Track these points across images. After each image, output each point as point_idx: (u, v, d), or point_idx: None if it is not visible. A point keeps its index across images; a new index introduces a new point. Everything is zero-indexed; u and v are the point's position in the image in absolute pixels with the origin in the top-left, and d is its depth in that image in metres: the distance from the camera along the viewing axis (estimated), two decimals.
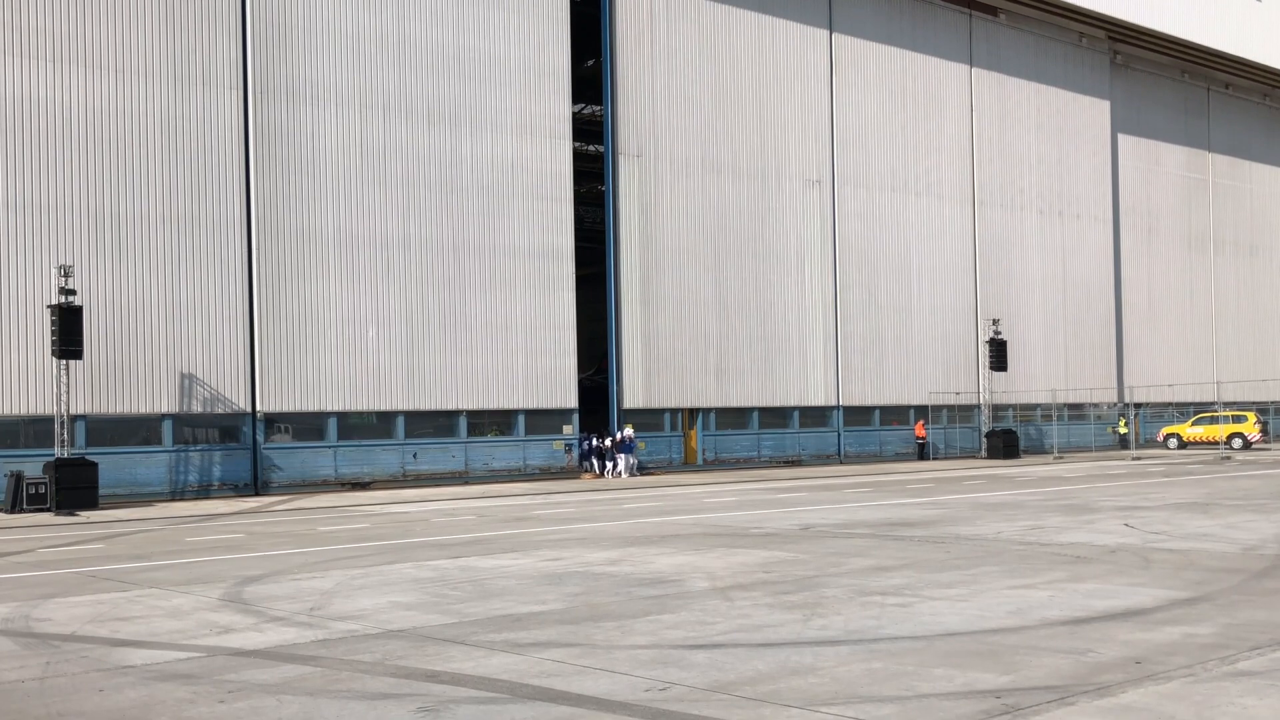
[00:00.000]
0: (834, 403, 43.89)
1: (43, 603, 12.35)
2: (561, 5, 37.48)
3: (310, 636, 10.02)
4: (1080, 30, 52.74)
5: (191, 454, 30.70)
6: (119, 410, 29.58)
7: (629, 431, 37.53)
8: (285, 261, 32.09)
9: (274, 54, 32.14)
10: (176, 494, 30.16)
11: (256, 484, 31.47)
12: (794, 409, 42.60)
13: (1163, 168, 57.61)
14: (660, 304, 39.43)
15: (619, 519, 21.75)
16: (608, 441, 37.72)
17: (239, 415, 31.35)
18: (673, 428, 39.31)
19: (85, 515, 25.50)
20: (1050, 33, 51.87)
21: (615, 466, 37.43)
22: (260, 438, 31.61)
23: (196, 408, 30.64)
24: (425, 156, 34.53)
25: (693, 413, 40.33)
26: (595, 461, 37.88)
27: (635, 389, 38.86)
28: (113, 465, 28.82)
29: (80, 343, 27.12)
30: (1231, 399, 54.00)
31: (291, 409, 32.16)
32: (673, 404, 39.71)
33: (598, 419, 39.29)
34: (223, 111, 31.30)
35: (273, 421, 32.01)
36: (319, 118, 32.75)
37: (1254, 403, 55.89)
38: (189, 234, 30.69)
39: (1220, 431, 49.45)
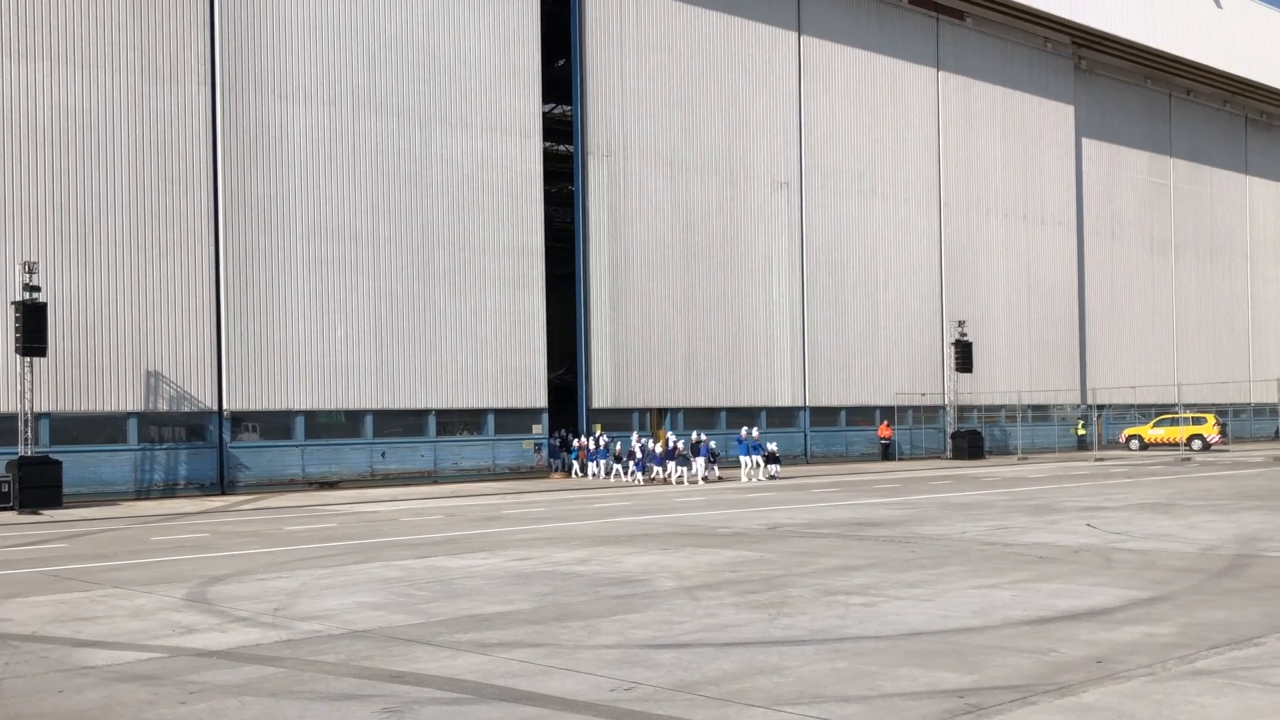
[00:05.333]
0: (801, 403, 44.07)
1: (3, 603, 12.20)
2: (532, 4, 37.42)
3: (274, 637, 9.97)
4: (1045, 35, 53.22)
5: (157, 453, 30.42)
6: (83, 408, 29.27)
7: (758, 432, 35.17)
8: (253, 258, 31.85)
9: (242, 48, 31.89)
10: (142, 493, 29.88)
11: (223, 483, 31.23)
12: (761, 409, 42.73)
13: (1125, 172, 58.23)
14: (629, 304, 39.47)
15: (588, 518, 21.75)
16: (680, 444, 34.22)
17: (205, 414, 31.10)
18: (641, 427, 39.32)
19: (49, 514, 25.22)
20: (1016, 37, 52.31)
21: (691, 470, 33.79)
22: (227, 436, 31.37)
23: (162, 406, 30.36)
24: (395, 153, 34.39)
25: (661, 412, 40.38)
26: (661, 467, 34.09)
27: (604, 388, 38.87)
28: (77, 464, 28.51)
29: (44, 340, 26.82)
30: (1192, 401, 54.65)
31: (259, 407, 31.93)
32: (641, 403, 39.75)
33: (566, 419, 39.26)
34: (190, 106, 31.03)
35: (239, 420, 31.77)
36: (288, 113, 32.54)
37: (1213, 405, 56.59)
38: (155, 230, 30.41)
39: (1181, 433, 50.05)
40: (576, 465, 37.25)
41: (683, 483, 33.35)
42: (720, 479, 34.58)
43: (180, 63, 30.94)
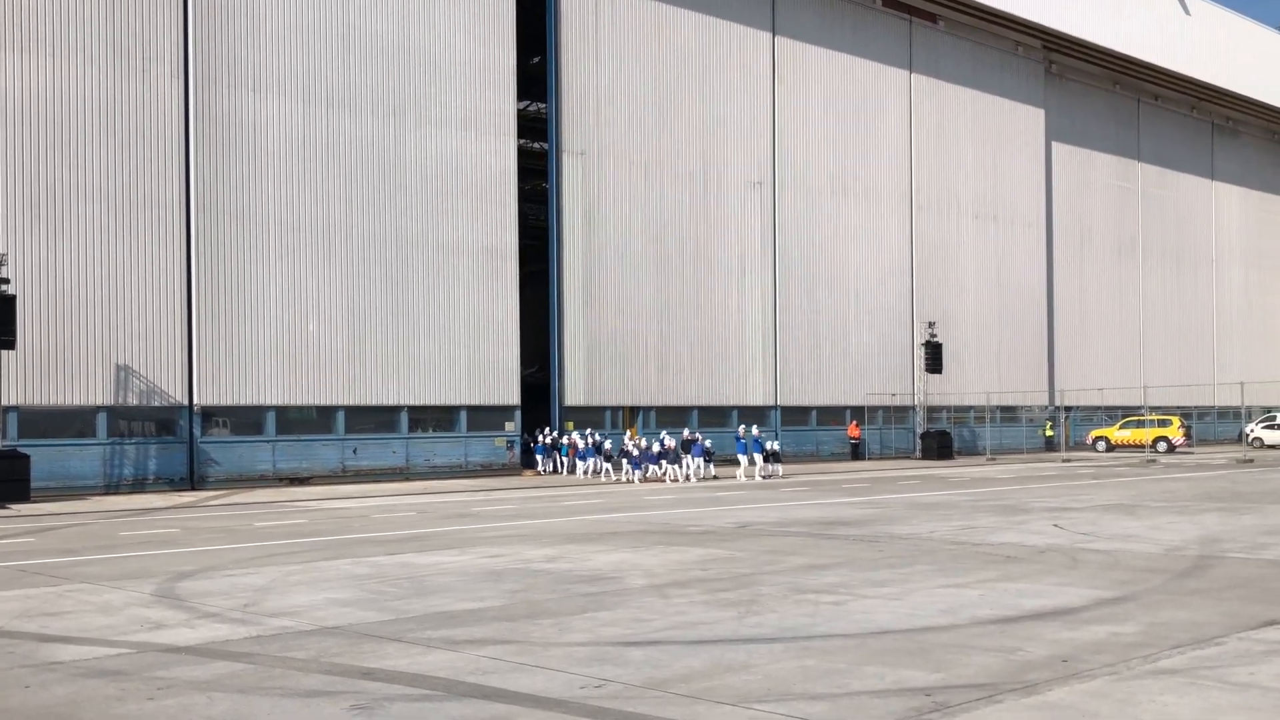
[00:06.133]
0: (772, 402, 44.23)
1: None
2: (508, 2, 37.37)
3: (243, 633, 9.94)
4: (1016, 39, 53.62)
5: (126, 447, 30.19)
6: (52, 402, 29.00)
7: (758, 430, 34.65)
8: (225, 252, 31.66)
9: (216, 39, 31.68)
10: (111, 488, 29.64)
11: (193, 478, 31.03)
12: (733, 408, 42.84)
13: (1094, 176, 58.76)
14: (602, 302, 39.48)
15: (559, 516, 21.77)
16: (670, 442, 34.29)
17: (175, 408, 30.88)
18: (614, 425, 39.36)
19: (16, 508, 24.98)
20: (988, 41, 52.67)
21: (683, 469, 33.96)
22: (197, 431, 31.17)
23: (132, 400, 30.13)
24: (369, 148, 34.25)
25: (633, 410, 40.42)
26: (649, 468, 34.25)
27: (577, 386, 38.87)
28: (45, 458, 28.25)
29: (13, 332, 26.56)
30: (1157, 403, 55.22)
31: (229, 402, 31.75)
32: (614, 402, 39.77)
33: (539, 416, 39.21)
34: (163, 97, 30.80)
35: (210, 415, 31.57)
36: (261, 106, 32.35)
37: (1178, 407, 57.19)
38: (126, 222, 30.17)
39: (1146, 435, 50.57)
40: (567, 463, 36.98)
41: (688, 479, 33.54)
42: (716, 477, 34.55)
43: (153, 53, 30.70)
